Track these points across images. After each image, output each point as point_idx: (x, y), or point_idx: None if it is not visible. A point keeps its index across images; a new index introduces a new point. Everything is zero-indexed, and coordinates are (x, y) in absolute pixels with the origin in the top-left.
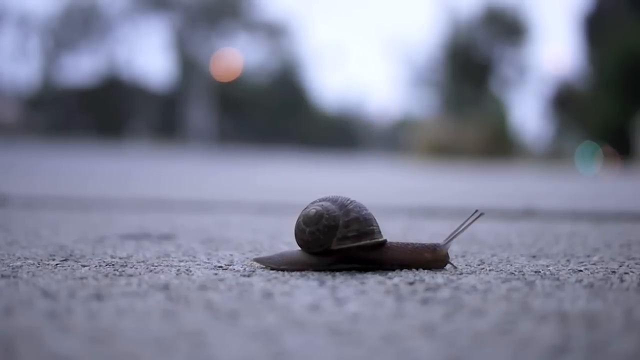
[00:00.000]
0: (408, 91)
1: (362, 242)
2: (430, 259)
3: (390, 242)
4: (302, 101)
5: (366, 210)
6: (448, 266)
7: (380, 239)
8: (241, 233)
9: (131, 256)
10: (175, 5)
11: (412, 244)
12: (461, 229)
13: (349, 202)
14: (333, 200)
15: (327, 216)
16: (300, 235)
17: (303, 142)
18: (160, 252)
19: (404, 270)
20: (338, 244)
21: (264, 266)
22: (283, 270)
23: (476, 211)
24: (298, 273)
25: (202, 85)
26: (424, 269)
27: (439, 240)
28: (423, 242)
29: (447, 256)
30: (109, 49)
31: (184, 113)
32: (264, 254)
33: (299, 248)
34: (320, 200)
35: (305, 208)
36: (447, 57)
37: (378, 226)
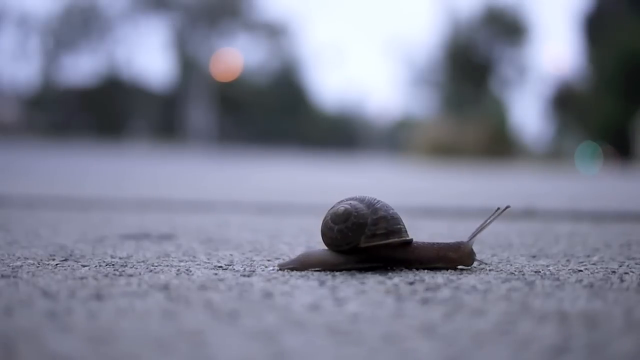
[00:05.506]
0: (408, 91)
1: (390, 240)
2: (455, 257)
3: (417, 242)
4: (302, 101)
5: (393, 209)
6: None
7: (407, 238)
8: (241, 233)
9: (131, 256)
10: (175, 5)
11: (438, 243)
12: (486, 224)
13: (376, 201)
14: (360, 200)
15: (355, 214)
16: (329, 233)
17: (303, 142)
18: (160, 252)
19: (404, 270)
20: (366, 242)
21: (289, 269)
22: (308, 270)
23: (498, 209)
24: (298, 273)
25: (202, 85)
26: (450, 268)
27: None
28: (447, 241)
29: (472, 252)
30: (109, 49)
31: (184, 113)
32: (289, 258)
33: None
34: (347, 200)
35: (332, 207)
36: (447, 57)
37: (404, 225)
